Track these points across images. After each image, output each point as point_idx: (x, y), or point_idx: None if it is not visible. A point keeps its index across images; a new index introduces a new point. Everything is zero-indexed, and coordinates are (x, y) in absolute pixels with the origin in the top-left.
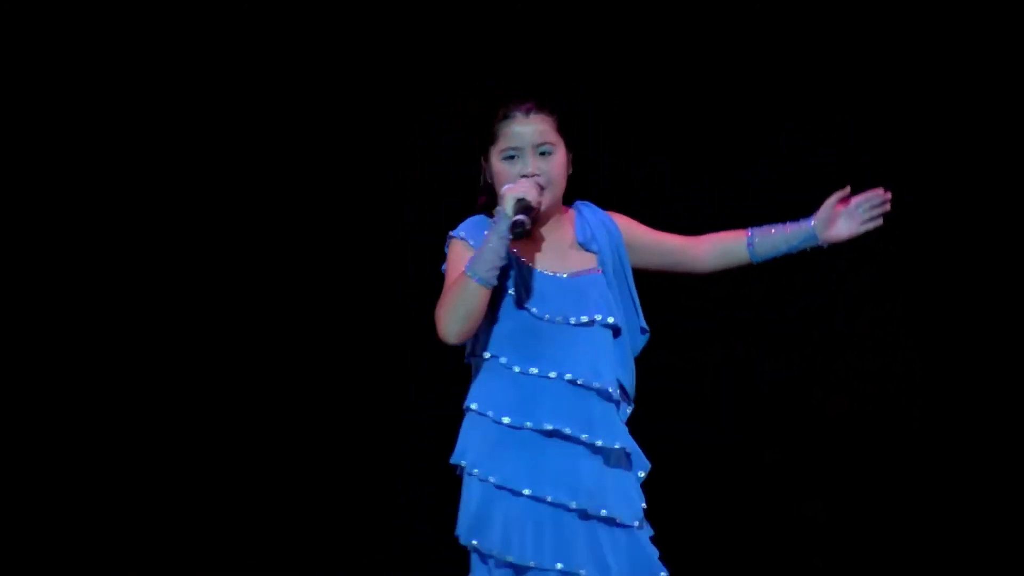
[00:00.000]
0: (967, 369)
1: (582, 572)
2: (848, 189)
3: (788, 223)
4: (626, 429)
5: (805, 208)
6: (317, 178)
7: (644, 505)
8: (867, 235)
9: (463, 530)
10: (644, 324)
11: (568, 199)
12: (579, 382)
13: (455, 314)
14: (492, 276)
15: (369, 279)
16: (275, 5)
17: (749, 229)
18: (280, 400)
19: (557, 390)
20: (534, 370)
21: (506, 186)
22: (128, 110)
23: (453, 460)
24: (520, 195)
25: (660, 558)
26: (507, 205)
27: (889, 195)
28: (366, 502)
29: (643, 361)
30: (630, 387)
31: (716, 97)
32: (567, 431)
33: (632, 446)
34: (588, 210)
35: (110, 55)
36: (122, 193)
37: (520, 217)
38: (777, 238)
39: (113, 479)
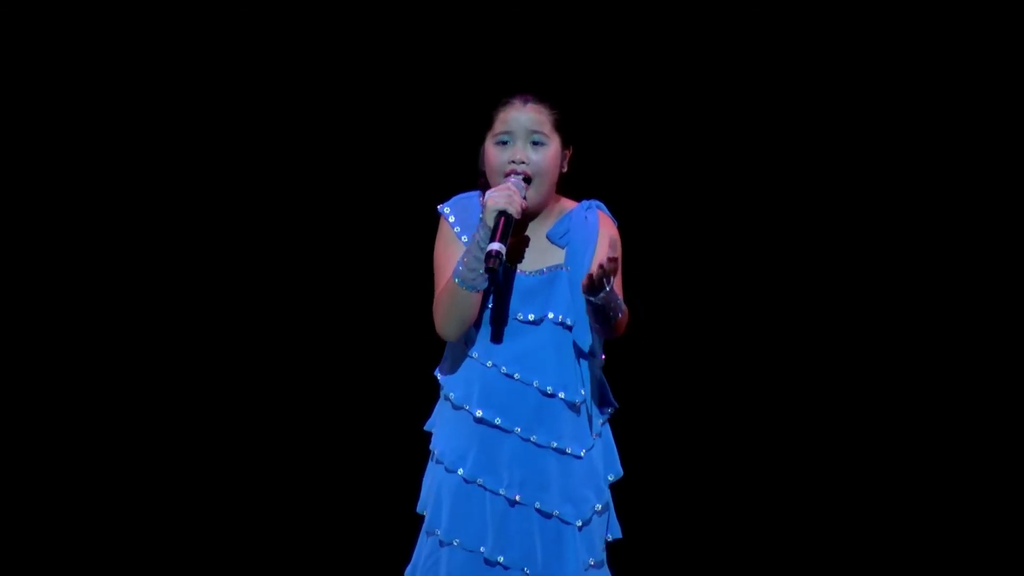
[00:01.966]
0: (965, 369)
1: (500, 558)
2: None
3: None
4: (582, 429)
5: (800, 208)
6: (312, 177)
7: (599, 506)
8: (865, 236)
9: (420, 500)
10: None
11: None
12: (516, 376)
13: (451, 319)
14: (481, 281)
15: (364, 278)
16: (272, 4)
17: None
18: (278, 400)
19: (494, 380)
20: (476, 355)
21: (488, 193)
22: (126, 110)
23: (426, 427)
24: (502, 206)
25: (610, 562)
26: (487, 216)
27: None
28: (361, 502)
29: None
30: (592, 390)
31: (714, 96)
32: (497, 421)
33: (599, 449)
34: (586, 212)
35: (107, 55)
36: (122, 193)
37: (494, 247)
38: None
39: (108, 479)
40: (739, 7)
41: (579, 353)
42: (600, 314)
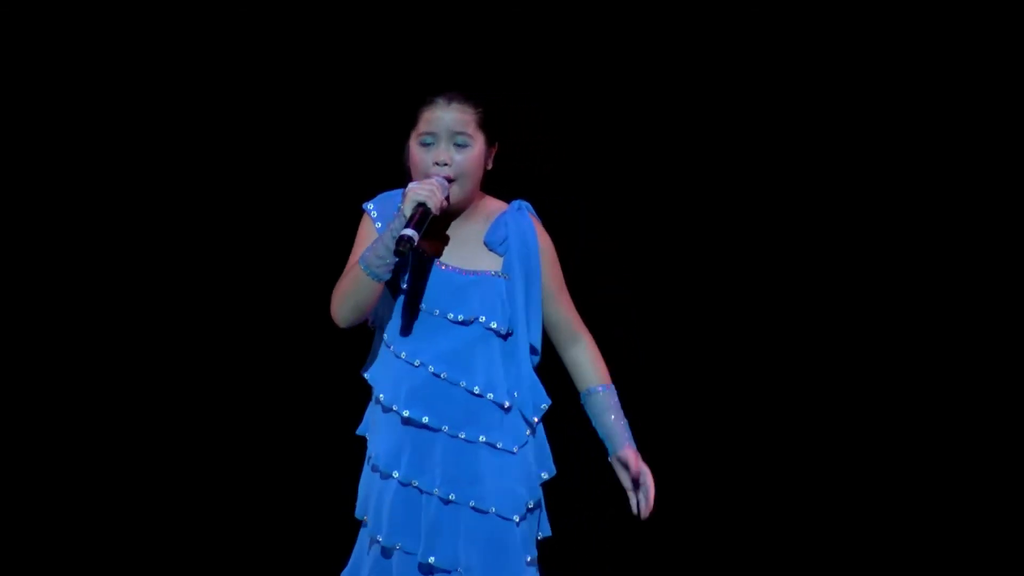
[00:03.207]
0: (963, 369)
1: (431, 559)
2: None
3: (622, 427)
4: (514, 427)
5: (794, 208)
6: (241, 177)
7: (531, 503)
8: (862, 236)
9: (358, 503)
10: (537, 344)
11: (509, 195)
12: (443, 376)
13: (346, 303)
14: (384, 271)
15: (292, 280)
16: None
17: (609, 386)
18: (270, 401)
19: (422, 380)
20: (403, 355)
21: (411, 184)
22: (120, 109)
23: (359, 431)
24: (422, 199)
25: (537, 560)
26: (406, 205)
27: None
28: (293, 505)
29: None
30: (524, 389)
31: (686, 89)
32: (424, 420)
33: (532, 447)
34: (517, 214)
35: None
36: (108, 192)
37: (407, 232)
38: (605, 423)
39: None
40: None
41: (509, 357)
42: None
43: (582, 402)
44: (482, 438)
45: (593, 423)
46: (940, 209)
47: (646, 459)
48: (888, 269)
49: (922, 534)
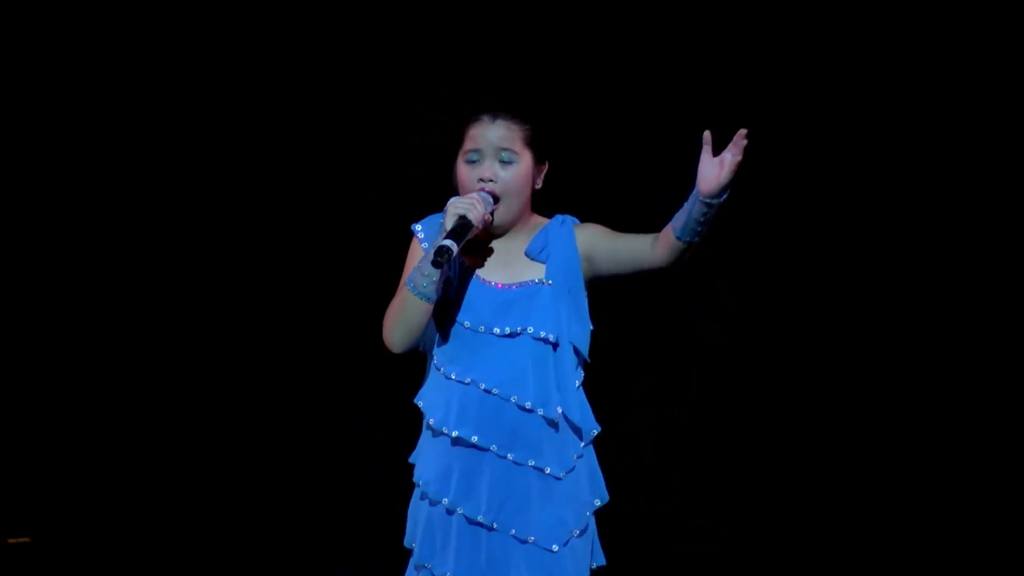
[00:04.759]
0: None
1: None
2: (708, 135)
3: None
4: (566, 449)
5: (794, 208)
6: (293, 184)
7: (577, 531)
8: (861, 237)
9: (407, 533)
10: (584, 351)
11: (548, 211)
12: (494, 392)
13: (397, 326)
14: (431, 290)
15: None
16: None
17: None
18: (266, 402)
19: (472, 397)
20: (453, 375)
21: (453, 199)
22: (112, 109)
23: (410, 459)
24: (462, 211)
25: None
26: (447, 219)
27: (745, 132)
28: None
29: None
30: (573, 409)
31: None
32: (474, 439)
33: (582, 471)
34: (560, 227)
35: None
36: (98, 193)
37: (445, 243)
38: (684, 213)
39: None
40: (712, 16)
41: (561, 368)
42: (708, 223)
43: (680, 236)
44: (531, 462)
45: (692, 220)
46: (939, 210)
47: (647, 460)
48: (887, 267)
49: (922, 534)
